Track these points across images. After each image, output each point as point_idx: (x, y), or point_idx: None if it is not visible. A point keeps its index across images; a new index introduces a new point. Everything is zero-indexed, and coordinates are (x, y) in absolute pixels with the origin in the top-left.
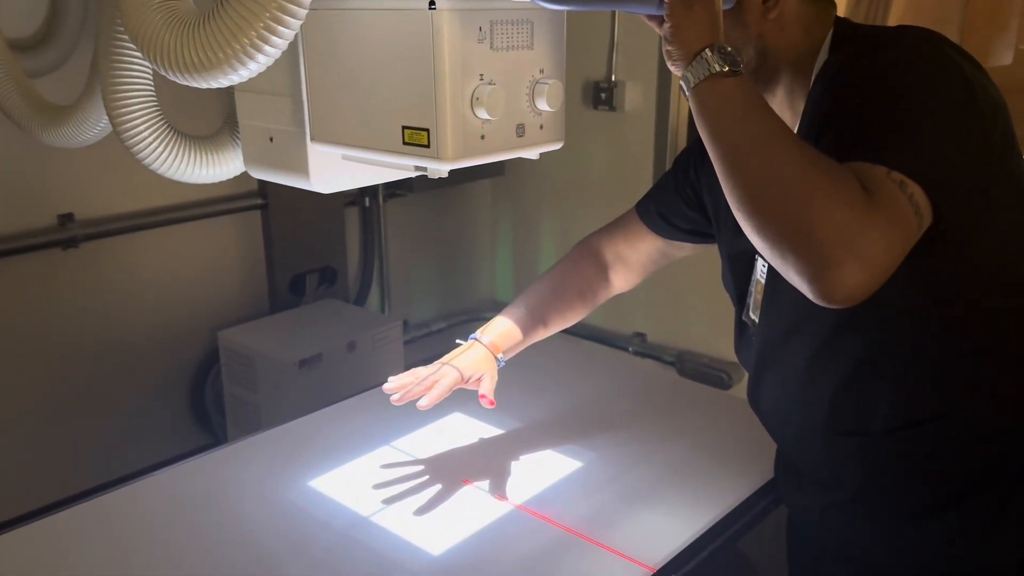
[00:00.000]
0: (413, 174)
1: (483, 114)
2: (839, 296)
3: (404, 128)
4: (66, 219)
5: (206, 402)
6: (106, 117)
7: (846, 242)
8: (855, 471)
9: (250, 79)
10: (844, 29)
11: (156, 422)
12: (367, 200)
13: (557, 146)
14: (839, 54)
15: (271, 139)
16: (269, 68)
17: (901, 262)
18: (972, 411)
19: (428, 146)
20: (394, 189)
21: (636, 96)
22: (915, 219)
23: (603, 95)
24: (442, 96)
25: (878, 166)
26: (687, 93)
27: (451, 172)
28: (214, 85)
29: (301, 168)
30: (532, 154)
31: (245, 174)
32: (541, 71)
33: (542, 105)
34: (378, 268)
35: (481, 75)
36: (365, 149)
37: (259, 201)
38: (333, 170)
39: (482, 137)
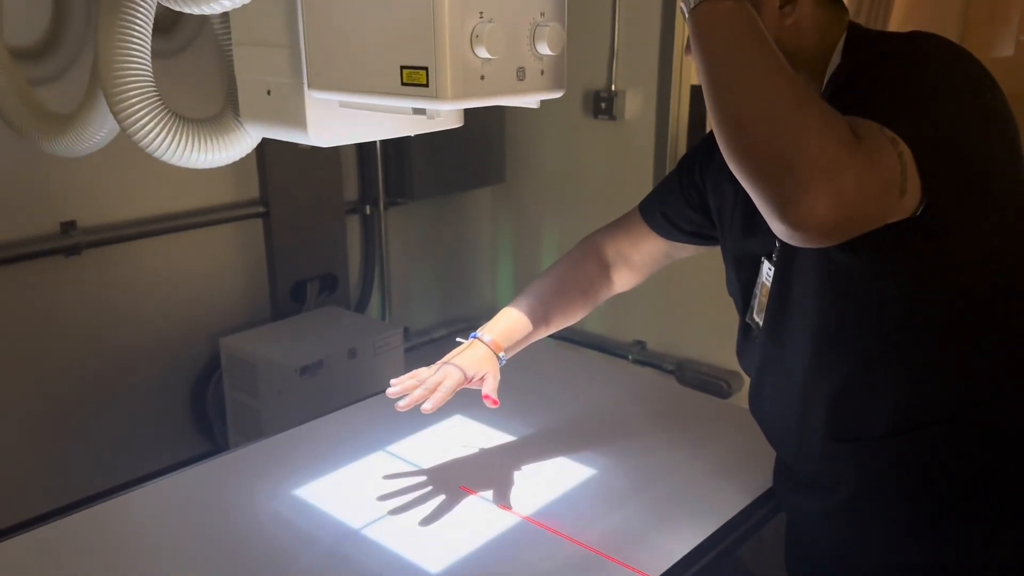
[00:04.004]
0: (412, 133)
1: (483, 53)
2: (806, 224)
3: (402, 68)
4: (69, 226)
5: (207, 409)
6: (106, 127)
7: (824, 172)
8: (853, 476)
9: (248, 31)
10: (857, 33)
11: (157, 429)
12: (368, 208)
13: (558, 94)
14: (852, 58)
15: (268, 92)
16: (266, 17)
17: (877, 211)
18: (972, 416)
19: (427, 85)
20: (395, 197)
21: (636, 105)
22: (899, 170)
23: (603, 104)
24: (441, 33)
25: (874, 122)
26: (686, 15)
27: (451, 175)
28: (207, 11)
29: (299, 120)
30: (532, 102)
31: (247, 182)
32: (542, 14)
33: (543, 49)
34: (379, 275)
35: (481, 13)
36: (363, 93)
37: (260, 209)
38: (331, 122)
39: (482, 78)
